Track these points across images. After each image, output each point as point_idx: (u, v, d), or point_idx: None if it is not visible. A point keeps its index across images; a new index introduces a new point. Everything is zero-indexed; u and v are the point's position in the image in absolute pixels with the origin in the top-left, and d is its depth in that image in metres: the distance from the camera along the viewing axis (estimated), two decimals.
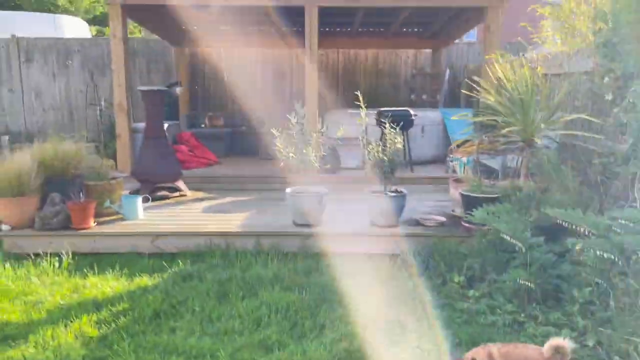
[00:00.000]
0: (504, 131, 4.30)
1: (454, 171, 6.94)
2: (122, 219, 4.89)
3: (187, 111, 10.02)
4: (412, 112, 6.88)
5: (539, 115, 4.50)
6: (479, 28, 8.77)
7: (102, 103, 8.97)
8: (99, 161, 5.20)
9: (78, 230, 4.47)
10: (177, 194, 5.93)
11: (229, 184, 6.83)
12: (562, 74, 5.43)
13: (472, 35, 14.55)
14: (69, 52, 10.21)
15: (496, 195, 4.28)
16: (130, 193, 5.87)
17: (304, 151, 4.41)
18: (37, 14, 14.13)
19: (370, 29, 9.70)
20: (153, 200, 5.40)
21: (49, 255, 4.28)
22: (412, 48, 10.21)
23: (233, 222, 4.83)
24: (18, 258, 4.32)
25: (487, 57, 6.47)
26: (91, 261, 4.28)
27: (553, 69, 5.45)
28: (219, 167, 7.81)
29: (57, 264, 4.14)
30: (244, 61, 10.48)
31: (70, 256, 4.29)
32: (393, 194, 4.49)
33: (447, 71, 9.41)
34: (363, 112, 4.81)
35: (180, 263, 4.20)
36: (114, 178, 5.08)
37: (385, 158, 4.39)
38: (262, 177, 6.92)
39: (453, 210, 5.01)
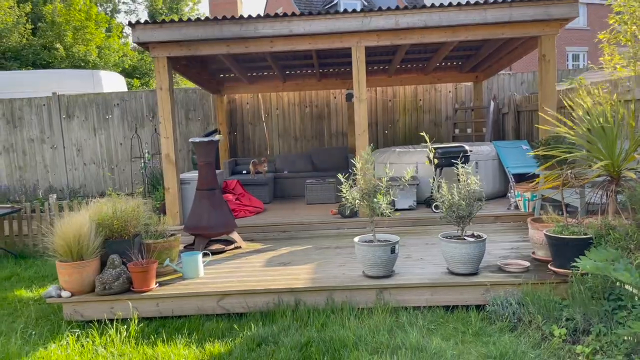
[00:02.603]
0: (595, 166, 3.96)
1: (517, 207, 6.57)
2: (182, 278, 4.64)
3: (228, 158, 9.92)
4: (467, 147, 6.60)
5: (625, 146, 4.18)
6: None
7: (146, 155, 8.91)
8: (155, 218, 4.99)
9: (140, 293, 4.23)
10: (232, 246, 5.69)
11: (280, 232, 6.59)
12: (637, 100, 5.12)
13: None
14: (108, 106, 10.29)
15: (588, 236, 3.93)
16: (184, 247, 5.67)
17: (375, 198, 4.13)
18: (76, 70, 14.49)
19: (409, 65, 9.55)
20: (212, 254, 5.16)
21: (114, 322, 4.04)
22: (453, 82, 10.00)
23: (299, 276, 4.54)
24: (80, 326, 4.10)
25: (543, 88, 6.20)
26: (157, 326, 4.04)
27: (627, 95, 5.14)
28: (266, 214, 7.58)
29: (123, 332, 3.89)
30: (281, 104, 10.42)
31: (135, 321, 4.04)
32: (473, 240, 4.17)
33: (492, 103, 9.14)
34: (431, 152, 4.55)
35: (252, 325, 3.91)
36: (172, 234, 4.88)
37: (462, 202, 4.09)
38: (314, 224, 6.66)
39: (533, 253, 4.64)
